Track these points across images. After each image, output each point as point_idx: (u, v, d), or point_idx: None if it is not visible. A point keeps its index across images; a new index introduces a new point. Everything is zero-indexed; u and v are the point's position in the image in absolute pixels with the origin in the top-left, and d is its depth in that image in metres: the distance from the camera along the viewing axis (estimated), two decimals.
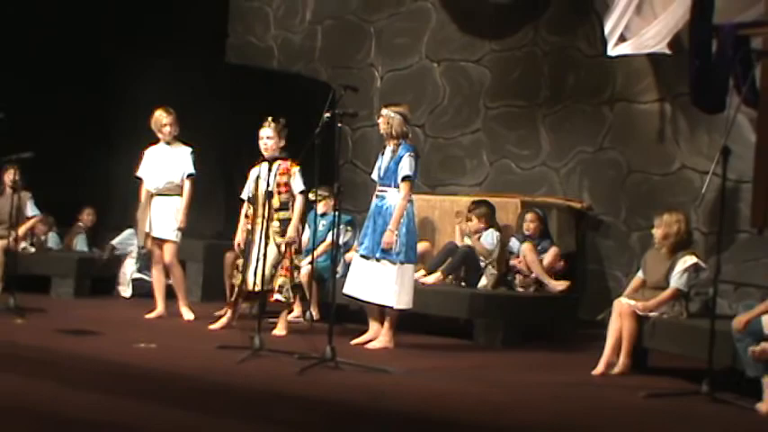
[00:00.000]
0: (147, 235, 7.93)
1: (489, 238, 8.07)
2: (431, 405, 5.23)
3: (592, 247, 9.44)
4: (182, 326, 7.75)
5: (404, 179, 6.99)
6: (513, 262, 8.19)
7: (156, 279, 8.08)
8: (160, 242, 7.92)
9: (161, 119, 7.92)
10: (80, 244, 9.99)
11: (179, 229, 7.87)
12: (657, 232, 6.66)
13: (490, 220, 8.19)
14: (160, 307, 8.04)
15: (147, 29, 10.84)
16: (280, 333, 7.35)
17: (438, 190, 10.20)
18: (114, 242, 9.62)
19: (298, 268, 7.44)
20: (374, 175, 7.25)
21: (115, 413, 5.23)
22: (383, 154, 7.19)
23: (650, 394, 5.76)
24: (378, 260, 6.95)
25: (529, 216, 8.34)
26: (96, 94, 10.31)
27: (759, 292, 6.40)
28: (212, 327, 7.53)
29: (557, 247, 8.23)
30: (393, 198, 7.01)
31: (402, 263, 6.97)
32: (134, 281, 9.48)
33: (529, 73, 10.05)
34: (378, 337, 7.07)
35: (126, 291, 9.52)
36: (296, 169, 7.35)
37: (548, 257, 8.14)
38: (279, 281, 7.25)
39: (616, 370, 6.43)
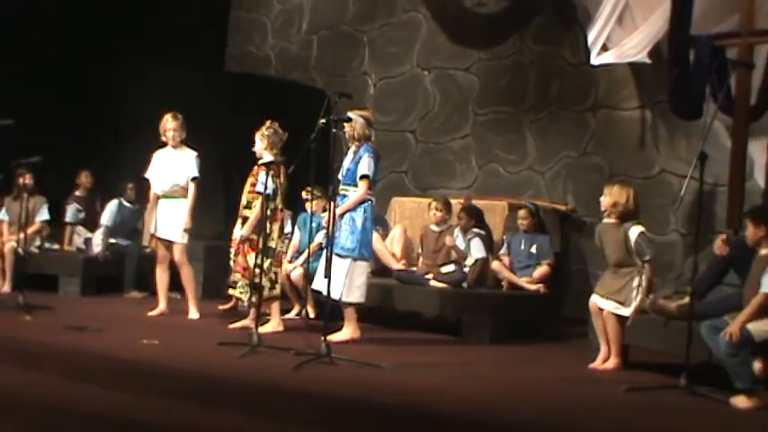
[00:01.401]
0: (152, 236, 7.93)
1: (460, 238, 8.08)
2: (421, 399, 5.23)
3: (575, 248, 9.46)
4: (183, 323, 7.74)
5: (362, 177, 6.95)
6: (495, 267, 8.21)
7: (159, 278, 8.05)
8: (168, 243, 7.90)
9: (166, 123, 7.91)
10: (70, 215, 9.96)
11: (185, 230, 7.85)
12: (606, 200, 6.61)
13: (448, 213, 8.19)
14: (162, 304, 8.03)
15: (150, 38, 10.82)
16: (270, 330, 7.19)
17: (429, 193, 10.22)
18: (105, 222, 9.65)
19: (259, 268, 7.24)
20: (339, 175, 7.15)
21: (119, 406, 5.27)
22: (347, 155, 7.15)
23: (631, 388, 5.76)
24: (336, 255, 6.85)
25: (522, 213, 8.35)
26: (102, 101, 10.31)
27: (732, 289, 6.41)
28: (233, 326, 7.48)
29: (548, 267, 8.21)
30: (353, 197, 6.98)
31: (355, 259, 6.93)
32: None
33: (516, 81, 10.09)
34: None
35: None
36: (263, 172, 7.17)
37: (537, 274, 8.15)
38: (234, 276, 7.25)
39: (609, 366, 6.45)
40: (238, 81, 11.20)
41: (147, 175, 7.99)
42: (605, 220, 6.71)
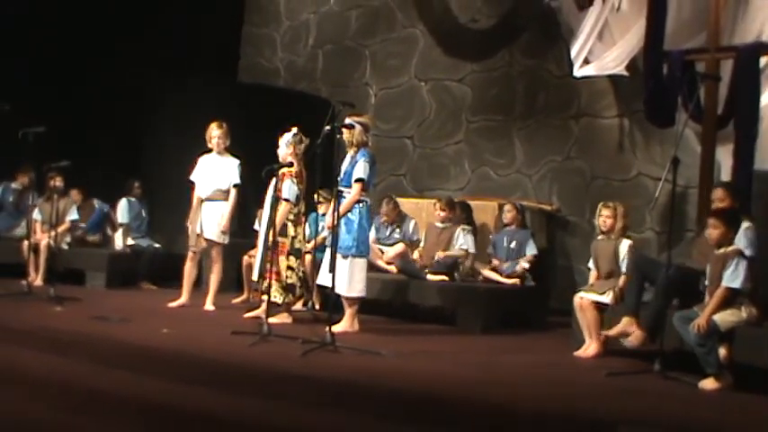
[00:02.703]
0: (199, 236, 7.90)
1: (461, 237, 8.12)
2: (418, 383, 5.27)
3: (560, 245, 9.50)
4: (200, 314, 7.72)
5: (357, 180, 6.91)
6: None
7: (188, 271, 7.98)
8: (209, 242, 7.90)
9: (211, 131, 7.88)
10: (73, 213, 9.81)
11: (222, 232, 7.85)
12: (609, 222, 6.67)
13: (451, 212, 8.25)
14: (184, 296, 7.97)
15: (173, 52, 10.82)
16: (279, 320, 7.12)
17: (426, 194, 10.25)
18: (122, 220, 9.74)
19: (291, 269, 7.30)
20: (339, 178, 7.08)
21: (141, 389, 5.29)
22: (345, 159, 7.09)
23: (610, 373, 5.82)
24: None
25: (507, 206, 8.40)
26: (134, 109, 10.33)
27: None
28: (247, 315, 7.48)
29: (528, 264, 8.19)
30: (348, 198, 6.92)
31: (354, 256, 6.91)
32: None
33: (505, 91, 10.12)
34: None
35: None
36: (288, 179, 7.24)
37: (520, 270, 8.15)
38: (264, 284, 7.08)
39: (590, 353, 6.48)
40: (250, 91, 11.20)
41: (192, 177, 7.95)
42: (601, 237, 6.77)
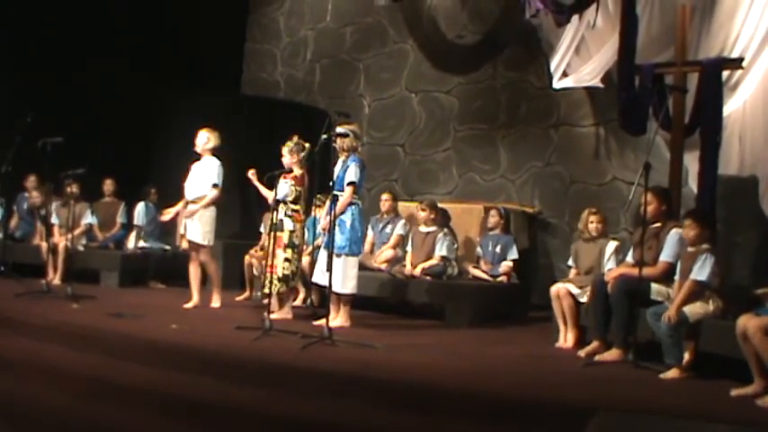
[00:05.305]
0: (182, 236, 7.87)
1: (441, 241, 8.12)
2: (410, 373, 5.29)
3: (541, 245, 9.52)
4: (207, 311, 7.68)
5: (349, 184, 6.91)
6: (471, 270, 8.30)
7: (192, 273, 7.85)
8: (193, 244, 7.76)
9: (195, 137, 7.83)
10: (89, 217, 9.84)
11: (205, 231, 7.63)
12: (598, 226, 6.81)
13: (433, 213, 8.23)
14: (195, 297, 7.81)
15: (183, 68, 10.85)
16: (280, 316, 7.17)
17: (416, 198, 10.25)
18: (137, 223, 9.76)
19: (288, 260, 7.28)
20: (331, 183, 7.05)
21: (152, 380, 5.32)
22: (337, 164, 7.08)
23: (587, 363, 5.88)
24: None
25: (492, 212, 8.43)
26: (146, 120, 10.38)
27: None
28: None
29: (511, 263, 8.24)
30: (341, 201, 6.89)
31: (347, 255, 6.91)
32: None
33: (489, 102, 10.13)
34: (336, 316, 7.01)
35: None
36: (283, 181, 7.21)
37: (502, 269, 8.20)
38: (266, 277, 7.10)
39: (568, 344, 6.50)
40: (252, 103, 11.23)
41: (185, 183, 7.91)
42: (586, 239, 6.86)
